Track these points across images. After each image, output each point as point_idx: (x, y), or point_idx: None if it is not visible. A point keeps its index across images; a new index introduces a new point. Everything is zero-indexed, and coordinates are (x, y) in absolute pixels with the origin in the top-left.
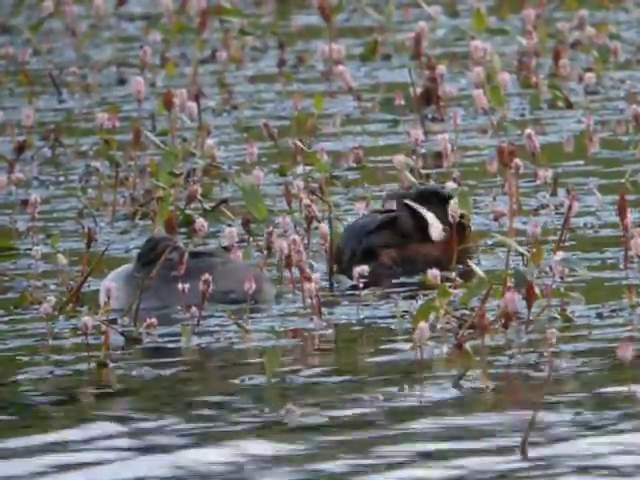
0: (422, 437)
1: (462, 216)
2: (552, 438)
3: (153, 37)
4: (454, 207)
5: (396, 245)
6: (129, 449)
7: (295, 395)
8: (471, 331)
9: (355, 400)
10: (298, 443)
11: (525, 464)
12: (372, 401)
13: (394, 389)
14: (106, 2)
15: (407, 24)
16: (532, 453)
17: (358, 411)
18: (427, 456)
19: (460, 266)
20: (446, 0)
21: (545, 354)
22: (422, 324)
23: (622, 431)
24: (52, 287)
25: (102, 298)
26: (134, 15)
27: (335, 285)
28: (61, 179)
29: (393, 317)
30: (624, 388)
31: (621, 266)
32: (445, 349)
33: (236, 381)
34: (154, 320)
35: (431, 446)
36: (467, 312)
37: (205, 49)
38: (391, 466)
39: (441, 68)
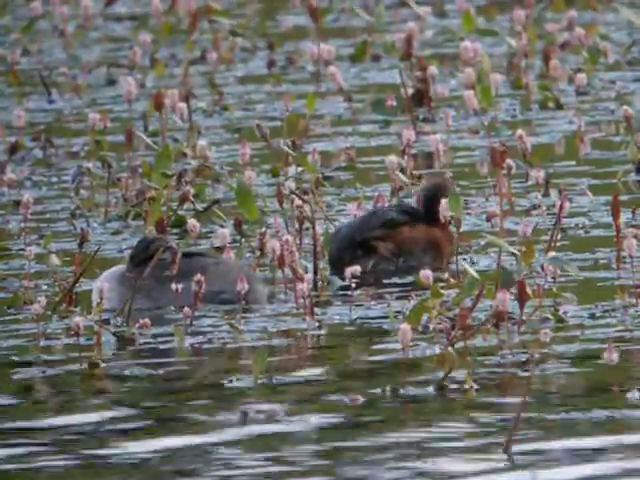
0: (405, 438)
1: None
2: (537, 438)
3: (142, 38)
4: (444, 207)
5: (390, 236)
6: (122, 448)
7: (281, 395)
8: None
9: (339, 401)
10: (282, 443)
11: (509, 464)
12: (353, 402)
13: (378, 390)
14: (94, 2)
15: (395, 25)
16: (516, 453)
17: (341, 412)
18: (410, 457)
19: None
20: (434, 0)
21: (533, 354)
22: (404, 325)
23: (611, 432)
24: (44, 287)
25: (95, 298)
26: (121, 15)
27: (320, 284)
28: (53, 180)
29: (386, 317)
30: (613, 389)
31: (613, 266)
32: (437, 349)
33: (225, 381)
34: (147, 320)
35: (415, 447)
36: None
37: (195, 50)
38: (374, 466)
39: (432, 69)
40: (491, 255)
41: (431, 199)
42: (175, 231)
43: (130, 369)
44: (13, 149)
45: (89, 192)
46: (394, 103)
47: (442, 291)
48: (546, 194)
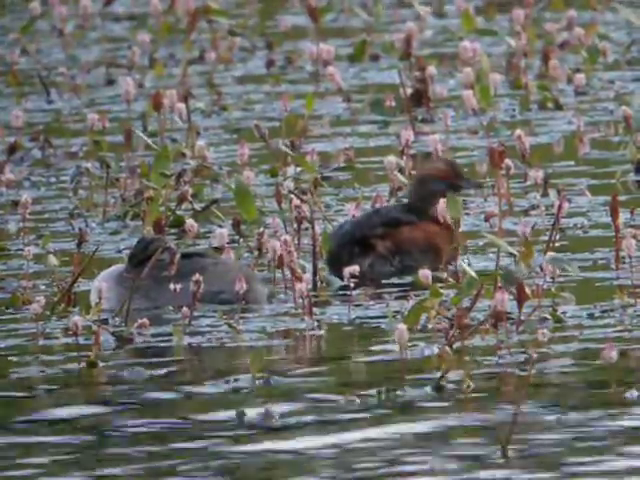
0: (403, 438)
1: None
2: (535, 440)
3: (141, 37)
4: (442, 208)
5: (389, 235)
6: (121, 447)
7: (277, 396)
8: (461, 331)
9: (334, 402)
10: (281, 443)
11: (506, 466)
12: (350, 401)
13: (376, 390)
14: (92, 2)
15: (394, 24)
16: (514, 453)
17: (336, 413)
18: (408, 457)
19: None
20: (433, 0)
21: (532, 354)
22: (401, 325)
23: (608, 433)
24: (43, 287)
25: (93, 298)
26: (120, 15)
27: (320, 284)
28: (52, 180)
29: (384, 317)
30: (612, 389)
31: (612, 266)
32: (435, 349)
33: (222, 381)
34: (145, 320)
35: (411, 448)
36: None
37: (193, 50)
38: (373, 466)
39: (431, 69)
40: (489, 255)
41: (422, 186)
42: (173, 231)
43: (128, 369)
44: (12, 149)
45: (88, 192)
46: (393, 103)
47: (441, 291)
48: (545, 194)
